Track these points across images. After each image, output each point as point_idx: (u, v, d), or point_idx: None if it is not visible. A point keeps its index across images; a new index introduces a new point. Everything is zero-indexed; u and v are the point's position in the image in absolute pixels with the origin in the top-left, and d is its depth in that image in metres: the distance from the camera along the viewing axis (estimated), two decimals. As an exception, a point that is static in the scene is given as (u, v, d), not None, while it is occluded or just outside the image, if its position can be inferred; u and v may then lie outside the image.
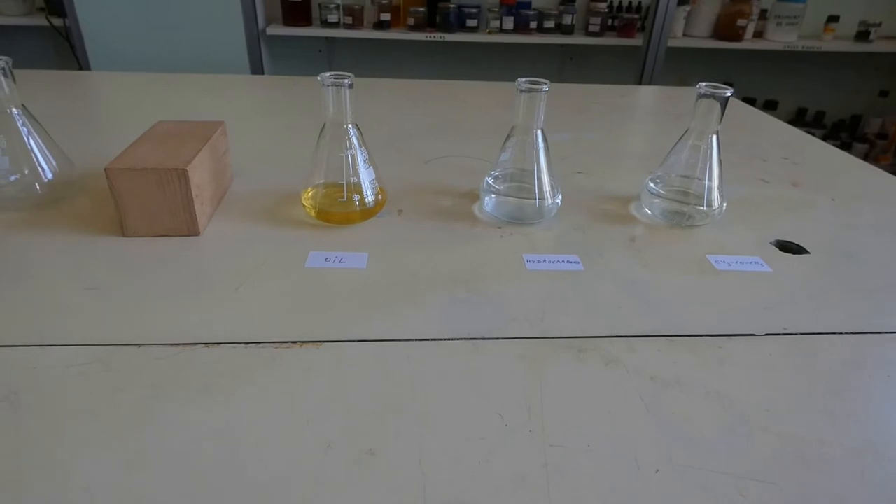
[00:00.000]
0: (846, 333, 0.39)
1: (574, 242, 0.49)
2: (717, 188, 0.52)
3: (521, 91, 0.48)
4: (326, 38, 2.26)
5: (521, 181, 0.51)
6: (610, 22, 2.14)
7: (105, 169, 0.43)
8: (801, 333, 0.38)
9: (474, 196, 0.51)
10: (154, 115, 0.57)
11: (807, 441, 0.30)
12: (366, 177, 0.49)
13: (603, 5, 2.15)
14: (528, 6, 2.14)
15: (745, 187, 0.63)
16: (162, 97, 0.90)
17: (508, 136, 0.51)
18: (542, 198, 0.51)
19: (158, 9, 1.86)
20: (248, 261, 0.44)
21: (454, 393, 0.32)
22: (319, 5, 2.07)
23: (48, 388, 0.31)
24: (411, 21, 2.08)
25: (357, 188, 0.49)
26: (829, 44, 2.08)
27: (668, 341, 0.37)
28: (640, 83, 2.04)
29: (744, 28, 2.03)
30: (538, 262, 0.45)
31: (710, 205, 0.51)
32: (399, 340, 0.36)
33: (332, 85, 0.46)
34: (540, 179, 0.50)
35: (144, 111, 0.81)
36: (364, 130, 0.49)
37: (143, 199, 0.45)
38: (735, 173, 0.66)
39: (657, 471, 0.27)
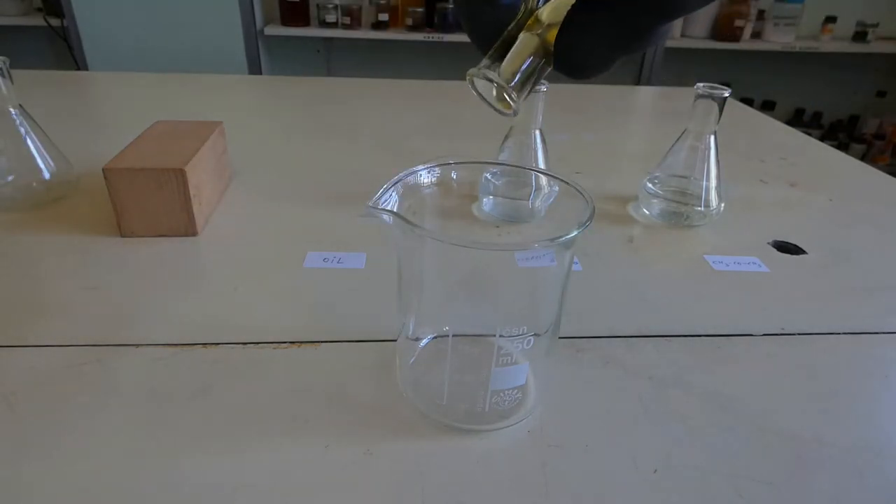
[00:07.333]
0: (843, 334, 0.39)
1: (572, 243, 0.49)
2: (715, 188, 0.52)
3: (520, 91, 0.48)
4: (324, 38, 2.26)
5: (518, 182, 0.51)
6: (608, 22, 2.14)
7: (103, 169, 0.43)
8: (799, 334, 0.38)
9: (473, 196, 0.51)
10: (152, 115, 0.57)
11: (804, 441, 0.30)
12: None
13: (601, 6, 2.15)
14: (526, 6, 2.14)
15: (743, 188, 0.63)
16: (160, 97, 0.90)
17: (507, 137, 0.51)
18: (539, 198, 0.51)
19: (156, 9, 1.86)
20: (246, 261, 0.44)
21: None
22: (317, 5, 2.07)
23: (46, 389, 0.31)
24: (409, 21, 2.08)
25: None
26: (826, 44, 2.09)
27: (667, 341, 0.37)
28: (637, 83, 2.04)
29: (742, 28, 2.03)
30: (536, 262, 0.45)
31: (707, 205, 0.52)
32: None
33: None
34: (538, 179, 0.50)
35: (142, 111, 0.81)
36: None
37: (141, 199, 0.44)
38: (733, 174, 0.66)
39: (655, 471, 0.28)
